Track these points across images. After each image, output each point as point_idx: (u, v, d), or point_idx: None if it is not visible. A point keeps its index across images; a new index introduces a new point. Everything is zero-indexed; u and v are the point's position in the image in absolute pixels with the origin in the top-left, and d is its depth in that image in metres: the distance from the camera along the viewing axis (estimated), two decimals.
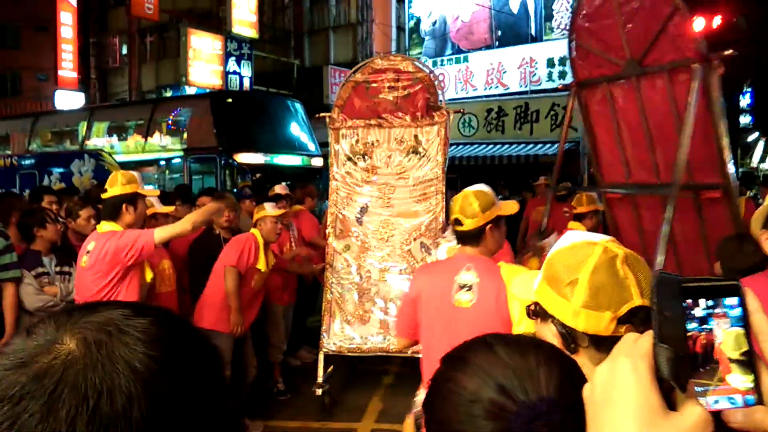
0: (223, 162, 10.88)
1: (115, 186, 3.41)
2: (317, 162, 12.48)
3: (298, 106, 13.58)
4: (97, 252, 3.23)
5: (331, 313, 5.07)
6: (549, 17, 17.27)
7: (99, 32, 27.85)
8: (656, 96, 3.66)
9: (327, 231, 5.19)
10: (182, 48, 18.85)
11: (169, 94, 20.35)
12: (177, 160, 12.01)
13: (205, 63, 18.92)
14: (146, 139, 12.71)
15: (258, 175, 10.68)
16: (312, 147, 12.89)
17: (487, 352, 0.76)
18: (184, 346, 0.58)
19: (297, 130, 13.00)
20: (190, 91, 18.45)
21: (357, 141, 5.10)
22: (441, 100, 5.06)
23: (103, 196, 3.46)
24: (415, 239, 4.92)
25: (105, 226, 3.40)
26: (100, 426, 0.49)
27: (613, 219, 4.46)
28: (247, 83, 19.53)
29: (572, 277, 1.11)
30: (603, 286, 1.08)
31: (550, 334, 1.14)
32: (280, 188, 6.44)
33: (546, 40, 17.25)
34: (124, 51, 26.68)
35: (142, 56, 26.35)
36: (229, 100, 12.52)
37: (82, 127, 13.89)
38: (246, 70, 19.80)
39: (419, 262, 4.80)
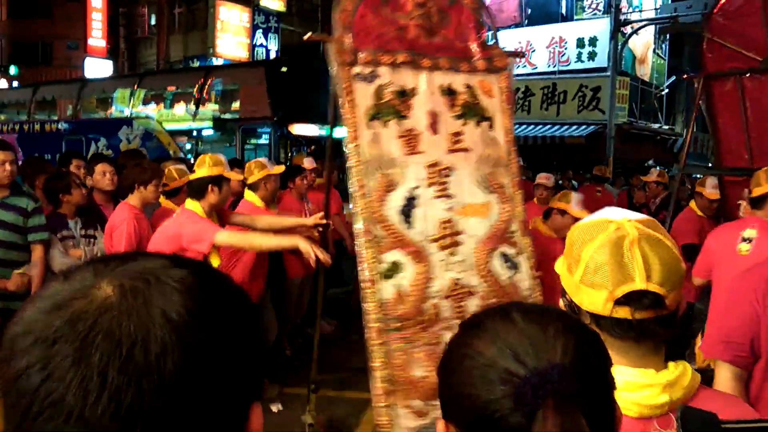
0: (277, 133, 10.54)
1: (203, 167, 3.57)
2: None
3: None
4: (169, 224, 3.46)
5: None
6: None
7: (129, 3, 28.01)
8: None
9: (354, 243, 3.05)
10: (210, 19, 18.94)
11: (196, 64, 20.42)
12: (229, 130, 11.69)
13: (232, 35, 18.99)
14: (197, 108, 12.37)
15: (312, 147, 10.38)
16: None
17: (504, 319, 0.75)
18: (221, 298, 0.57)
19: None
20: (216, 62, 18.53)
21: (381, 88, 3.05)
22: (495, 38, 3.47)
23: (191, 177, 3.65)
24: (492, 250, 3.12)
25: (189, 204, 3.54)
26: (132, 374, 0.48)
27: (728, 200, 4.68)
28: (273, 56, 19.55)
29: (579, 251, 1.09)
30: (603, 264, 1.04)
31: (562, 304, 1.14)
32: (307, 161, 6.19)
33: (577, 20, 16.95)
34: (153, 21, 26.82)
35: (171, 27, 26.48)
36: (285, 68, 12.03)
37: (131, 94, 13.69)
38: (273, 43, 19.84)
39: (504, 284, 3.10)
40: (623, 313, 1.02)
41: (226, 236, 3.42)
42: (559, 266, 1.17)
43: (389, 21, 3.15)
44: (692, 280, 3.65)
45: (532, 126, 16.65)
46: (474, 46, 3.29)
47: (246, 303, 0.60)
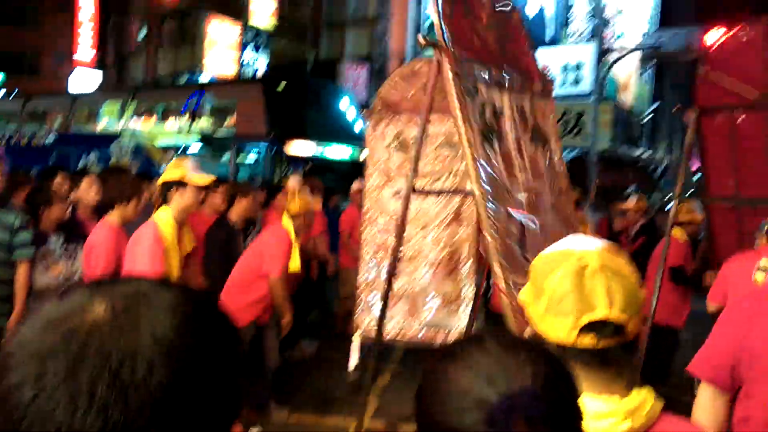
0: (273, 151, 10.39)
1: (167, 171, 3.59)
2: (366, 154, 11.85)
3: (350, 96, 13.02)
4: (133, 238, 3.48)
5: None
6: (566, 23, 17.27)
7: (118, 16, 28.02)
8: None
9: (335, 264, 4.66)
10: (200, 34, 19.00)
11: (185, 79, 20.46)
12: (222, 147, 11.47)
13: (221, 51, 19.07)
14: (191, 124, 12.14)
15: (309, 165, 10.29)
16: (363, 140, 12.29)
17: (479, 348, 0.77)
18: (207, 321, 0.60)
19: (349, 120, 12.44)
20: (204, 77, 18.57)
21: (483, 105, 2.87)
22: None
23: (158, 182, 3.65)
24: None
25: (160, 213, 3.50)
26: (120, 390, 0.50)
27: (714, 227, 5.00)
28: (261, 73, 19.64)
29: (543, 282, 1.12)
30: (567, 294, 1.07)
31: (528, 334, 1.16)
32: (293, 180, 6.29)
33: (562, 45, 17.25)
34: (143, 35, 26.85)
35: (160, 41, 26.51)
36: (282, 86, 11.91)
37: (122, 109, 13.43)
38: (261, 60, 19.93)
39: None
40: (587, 341, 1.05)
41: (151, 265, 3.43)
42: (524, 296, 1.19)
43: (474, 30, 2.97)
44: (707, 305, 3.77)
45: None
46: (531, 67, 3.36)
47: (229, 326, 0.63)
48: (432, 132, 4.87)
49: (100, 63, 27.19)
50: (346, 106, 12.43)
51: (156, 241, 3.35)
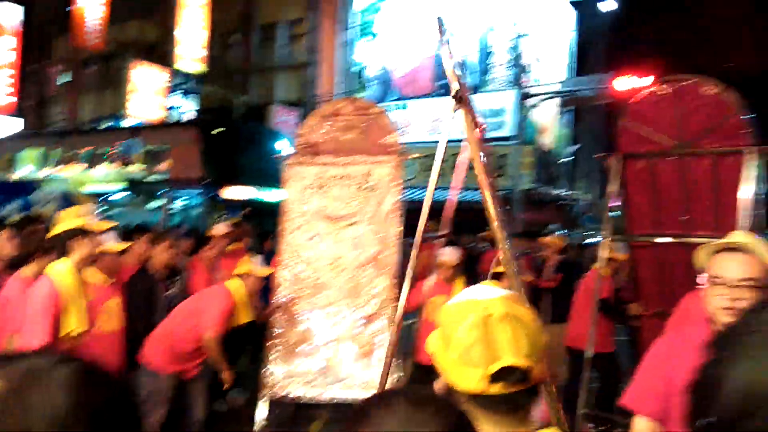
0: (208, 196, 10.25)
1: (64, 221, 3.29)
2: None
3: (289, 139, 12.81)
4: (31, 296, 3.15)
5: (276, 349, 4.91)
6: (488, 71, 18.10)
7: (39, 60, 27.23)
8: (699, 171, 4.73)
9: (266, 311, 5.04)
10: (124, 79, 18.71)
11: (108, 124, 20.01)
12: (158, 191, 11.14)
13: (147, 95, 18.78)
14: (123, 168, 11.87)
15: (248, 210, 10.05)
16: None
17: (385, 407, 0.80)
18: (101, 394, 0.61)
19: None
20: (128, 123, 18.23)
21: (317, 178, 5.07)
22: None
23: (51, 233, 3.29)
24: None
25: (58, 265, 3.22)
26: None
27: (637, 263, 5.35)
28: (189, 118, 19.46)
29: (451, 333, 1.13)
30: (475, 344, 1.09)
31: (439, 387, 1.17)
32: (221, 227, 6.14)
33: (484, 92, 18.02)
34: (65, 79, 26.16)
35: (83, 86, 25.87)
36: (218, 130, 11.84)
37: (47, 154, 12.79)
38: (190, 104, 19.77)
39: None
40: (497, 388, 1.08)
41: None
42: (434, 347, 1.21)
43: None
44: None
45: (445, 191, 17.28)
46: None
47: (126, 397, 0.65)
48: (352, 173, 4.97)
49: (19, 108, 26.22)
50: (283, 150, 12.28)
51: (49, 301, 3.09)
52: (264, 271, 4.64)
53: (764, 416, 0.49)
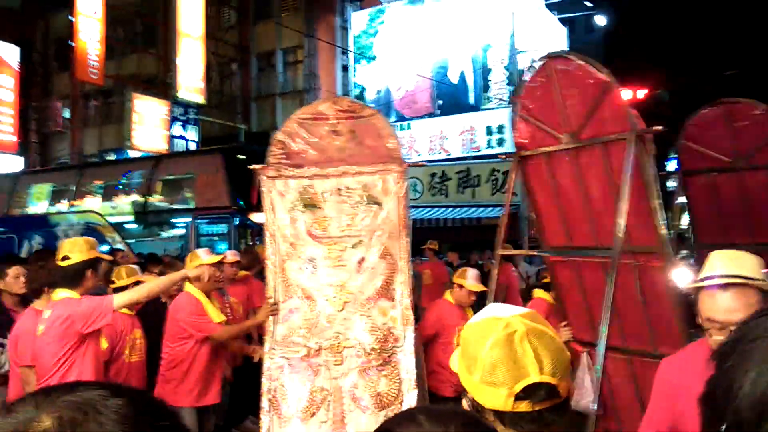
0: (237, 222, 9.99)
1: (78, 252, 3.32)
2: None
3: None
4: (53, 319, 3.13)
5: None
6: (486, 88, 18.22)
7: (41, 96, 27.48)
8: (593, 166, 3.93)
9: None
10: (126, 112, 18.84)
11: (112, 158, 20.12)
12: (182, 221, 10.93)
13: (150, 127, 18.92)
14: (146, 199, 11.59)
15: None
16: None
17: (410, 422, 0.80)
18: (155, 424, 0.60)
19: None
20: (133, 155, 18.32)
21: (305, 189, 4.22)
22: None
23: (64, 263, 3.30)
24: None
25: (61, 293, 3.27)
26: None
27: (555, 280, 4.64)
28: (192, 147, 19.57)
29: (475, 352, 1.14)
30: (499, 363, 1.10)
31: (465, 405, 1.18)
32: (230, 254, 6.06)
33: (484, 109, 18.12)
34: (67, 115, 26.36)
35: (86, 120, 26.08)
36: (242, 156, 11.37)
37: (73, 187, 12.56)
38: (192, 135, 19.90)
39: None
40: (524, 406, 1.08)
41: (120, 298, 3.30)
42: (457, 366, 1.22)
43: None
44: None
45: (450, 209, 17.32)
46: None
47: (177, 426, 0.64)
48: (349, 184, 4.12)
49: (23, 144, 26.39)
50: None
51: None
52: (211, 258, 4.36)
53: None
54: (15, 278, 4.22)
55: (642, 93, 17.59)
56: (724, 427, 0.54)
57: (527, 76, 4.18)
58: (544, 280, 5.07)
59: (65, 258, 3.28)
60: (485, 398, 1.11)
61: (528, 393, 1.07)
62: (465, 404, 1.18)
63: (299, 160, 4.15)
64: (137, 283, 4.25)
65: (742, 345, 0.56)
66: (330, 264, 4.02)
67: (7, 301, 4.27)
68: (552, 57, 3.97)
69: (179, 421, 0.65)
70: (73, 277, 3.28)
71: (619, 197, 3.51)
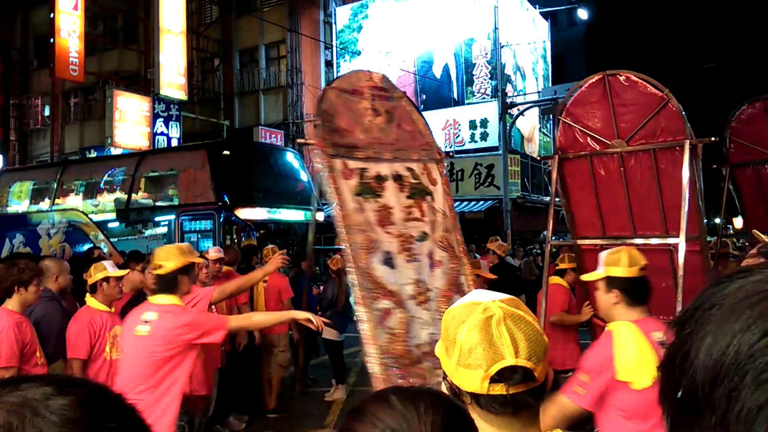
0: (222, 218, 9.84)
1: (171, 260, 3.30)
2: (319, 216, 11.46)
3: (297, 156, 12.62)
4: (166, 324, 3.13)
5: None
6: (470, 82, 18.29)
7: (21, 94, 27.14)
8: (640, 168, 4.60)
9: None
10: (108, 109, 18.67)
11: (93, 155, 19.94)
12: (166, 218, 10.75)
13: (131, 124, 18.75)
14: (130, 196, 11.33)
15: (261, 232, 9.85)
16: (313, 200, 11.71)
17: (382, 403, 0.82)
18: (103, 428, 0.55)
19: (299, 182, 12.05)
20: (115, 152, 18.17)
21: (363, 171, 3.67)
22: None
23: (159, 272, 3.30)
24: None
25: (161, 299, 3.25)
26: None
27: (584, 264, 5.04)
28: (174, 144, 19.43)
29: (453, 335, 1.16)
30: (476, 346, 1.12)
31: (444, 388, 1.20)
32: (213, 251, 6.11)
33: (468, 104, 18.19)
34: (47, 112, 26.06)
35: (66, 117, 25.80)
36: (227, 151, 11.36)
37: (54, 184, 12.31)
38: (174, 131, 19.74)
39: None
40: (499, 389, 1.10)
41: (234, 322, 3.48)
42: (438, 350, 1.24)
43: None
44: None
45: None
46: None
47: (138, 425, 0.60)
48: (400, 171, 3.78)
49: (2, 142, 26.09)
50: (296, 168, 12.19)
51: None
52: (116, 272, 4.20)
53: (729, 384, 0.51)
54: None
55: None
56: (680, 393, 0.55)
57: (576, 89, 4.83)
58: (558, 267, 5.48)
59: (159, 267, 3.29)
60: (462, 381, 1.13)
61: (503, 376, 1.09)
62: (444, 388, 1.20)
63: (349, 138, 3.60)
64: (107, 279, 4.15)
65: (699, 312, 0.57)
66: (404, 258, 3.59)
67: None
68: (610, 74, 4.56)
69: (138, 417, 0.60)
70: (169, 282, 3.27)
71: (682, 195, 4.16)
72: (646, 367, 2.27)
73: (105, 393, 0.59)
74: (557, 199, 4.95)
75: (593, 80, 4.66)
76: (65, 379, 0.57)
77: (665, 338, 2.34)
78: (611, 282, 2.48)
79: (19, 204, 12.64)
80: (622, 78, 4.48)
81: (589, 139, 4.81)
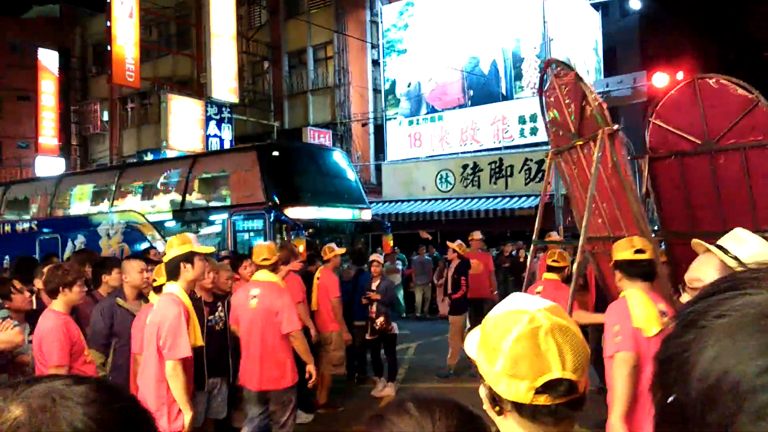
0: (272, 218, 10.06)
1: (172, 248, 3.70)
2: (366, 215, 11.89)
3: (344, 156, 12.86)
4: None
5: None
6: (518, 77, 18.02)
7: (80, 99, 28.28)
8: (730, 167, 4.81)
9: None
10: (163, 113, 19.23)
11: (150, 158, 20.58)
12: (219, 218, 11.06)
13: (185, 127, 19.25)
14: (184, 197, 11.68)
15: (310, 231, 10.09)
16: (361, 199, 12.11)
17: (399, 409, 0.86)
18: (117, 407, 0.64)
19: (346, 182, 12.27)
20: (170, 154, 18.68)
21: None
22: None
23: (164, 259, 3.76)
24: None
25: (169, 287, 3.66)
26: None
27: (674, 258, 5.28)
28: (227, 146, 19.86)
29: (497, 343, 1.15)
30: (522, 356, 1.11)
31: (483, 393, 1.20)
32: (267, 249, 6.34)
33: (516, 99, 17.93)
34: (106, 117, 27.05)
35: (123, 122, 26.73)
36: (276, 152, 11.62)
37: (112, 187, 12.78)
38: (227, 133, 20.19)
39: None
40: (543, 400, 1.11)
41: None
42: (475, 354, 1.23)
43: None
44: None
45: (483, 200, 17.22)
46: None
47: (140, 411, 0.69)
48: None
49: (64, 147, 27.27)
50: (343, 167, 12.36)
51: (183, 314, 3.55)
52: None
53: (725, 411, 0.48)
54: (139, 272, 4.50)
55: (680, 76, 17.18)
56: (670, 398, 0.54)
57: (666, 84, 5.23)
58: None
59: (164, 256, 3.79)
60: (505, 389, 1.13)
61: (548, 388, 1.10)
62: (482, 392, 1.20)
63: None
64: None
65: (704, 319, 0.55)
66: None
67: (46, 301, 4.36)
68: (699, 77, 4.86)
69: (138, 404, 0.70)
70: (172, 269, 3.71)
71: None
72: (654, 319, 2.92)
73: (109, 383, 0.70)
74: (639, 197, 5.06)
75: (683, 84, 5.04)
76: (75, 375, 0.68)
77: (666, 309, 3.03)
78: (615, 264, 3.18)
79: (79, 206, 13.13)
80: (711, 81, 4.77)
81: (678, 139, 5.06)
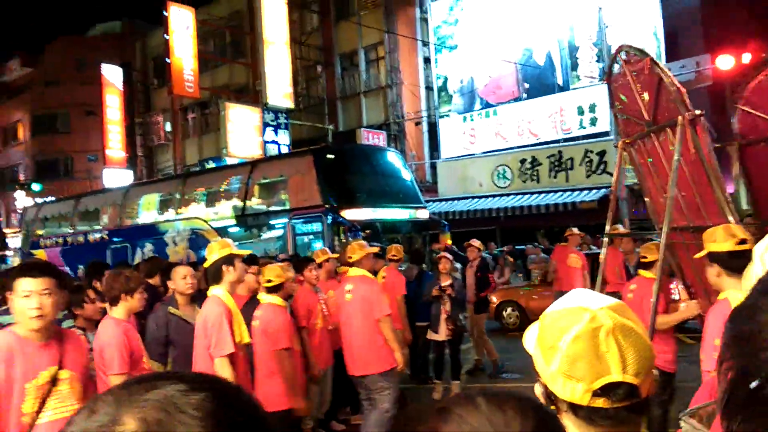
0: (330, 220, 10.17)
1: (213, 253, 3.88)
2: (423, 214, 11.94)
3: (399, 155, 12.96)
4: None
5: None
6: (575, 66, 17.58)
7: (144, 112, 29.35)
8: None
9: None
10: (222, 122, 19.73)
11: (211, 165, 21.15)
12: (279, 222, 11.29)
13: (244, 134, 19.68)
14: (245, 203, 11.96)
15: (368, 232, 10.11)
16: (417, 198, 12.21)
17: (469, 404, 0.79)
18: (237, 421, 0.60)
19: (402, 182, 12.33)
20: (230, 161, 19.13)
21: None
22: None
23: (205, 264, 3.94)
24: None
25: (214, 290, 3.83)
26: None
27: None
28: (285, 151, 20.19)
29: (555, 341, 1.10)
30: (581, 357, 1.06)
31: (538, 391, 1.15)
32: (320, 253, 6.50)
33: (573, 89, 17.50)
34: (168, 128, 27.97)
35: (185, 132, 27.58)
36: (331, 155, 11.74)
37: (177, 196, 13.20)
38: (283, 138, 20.52)
39: None
40: (600, 402, 1.05)
41: None
42: (532, 350, 1.19)
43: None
44: None
45: (543, 194, 16.86)
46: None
47: (262, 417, 0.64)
48: None
49: (130, 158, 28.40)
50: (398, 168, 12.42)
51: (224, 314, 3.70)
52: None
53: None
54: (182, 279, 4.51)
55: (747, 58, 16.38)
56: (755, 383, 0.50)
57: (750, 78, 4.93)
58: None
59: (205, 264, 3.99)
60: (561, 389, 1.09)
61: (607, 391, 1.04)
62: (537, 390, 1.15)
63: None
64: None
65: None
66: None
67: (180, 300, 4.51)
68: None
69: (262, 412, 0.65)
70: (214, 273, 3.90)
71: None
72: None
73: (231, 387, 0.64)
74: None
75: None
76: (195, 378, 0.62)
77: None
78: (711, 257, 2.72)
79: (147, 215, 13.61)
80: None
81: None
